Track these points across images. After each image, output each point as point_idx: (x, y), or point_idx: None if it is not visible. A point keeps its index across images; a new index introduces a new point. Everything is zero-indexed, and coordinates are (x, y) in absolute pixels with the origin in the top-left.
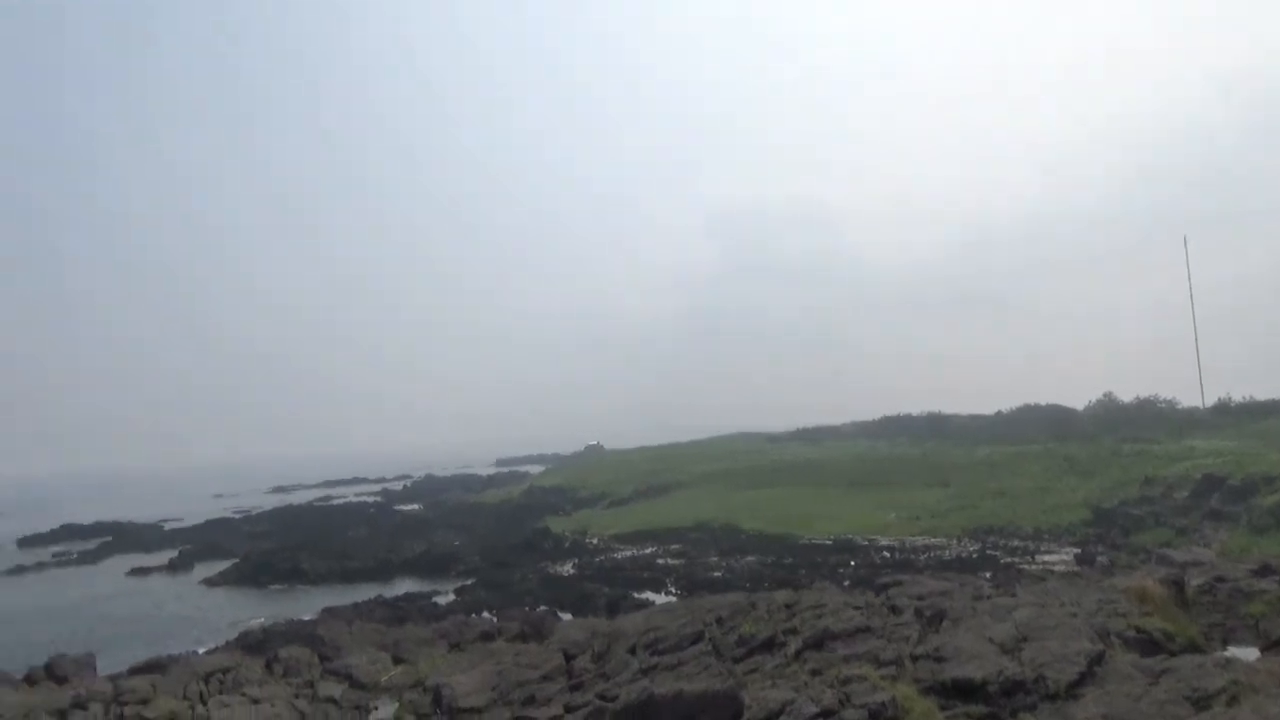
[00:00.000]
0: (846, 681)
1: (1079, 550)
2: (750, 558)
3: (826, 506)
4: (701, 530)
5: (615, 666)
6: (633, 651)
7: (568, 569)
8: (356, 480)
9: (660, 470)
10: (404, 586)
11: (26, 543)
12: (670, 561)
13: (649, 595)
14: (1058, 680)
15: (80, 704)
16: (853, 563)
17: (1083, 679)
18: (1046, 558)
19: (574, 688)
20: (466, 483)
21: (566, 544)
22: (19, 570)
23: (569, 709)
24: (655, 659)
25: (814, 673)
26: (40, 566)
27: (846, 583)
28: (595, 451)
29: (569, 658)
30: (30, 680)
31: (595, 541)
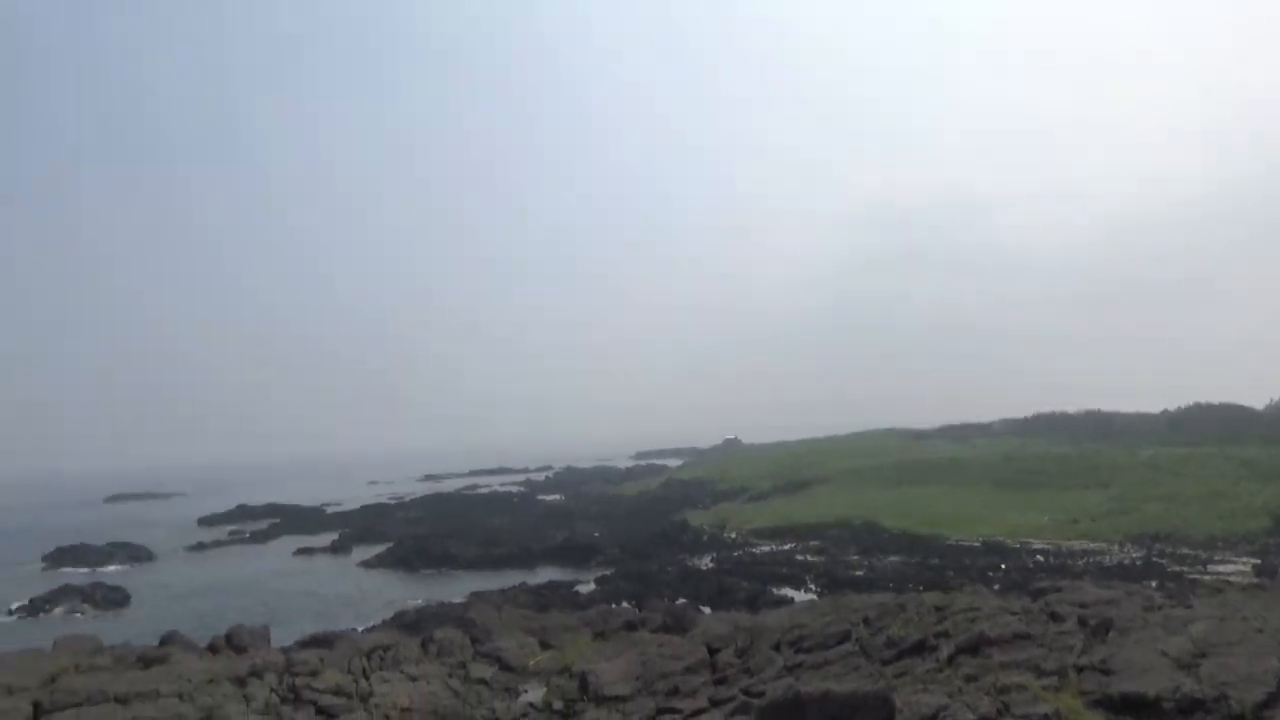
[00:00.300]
0: (1005, 690)
1: (1259, 560)
2: (893, 557)
3: (974, 507)
4: (842, 527)
5: (759, 662)
6: (777, 648)
7: (706, 562)
8: (501, 470)
9: (799, 465)
10: (546, 574)
11: (206, 521)
12: (810, 558)
13: (788, 591)
14: (1243, 700)
15: (257, 673)
16: (1003, 566)
17: (1271, 700)
18: (1221, 568)
19: (718, 681)
20: (606, 474)
21: (705, 537)
22: (200, 547)
23: (714, 703)
24: (800, 657)
25: (969, 679)
26: (218, 544)
27: (997, 586)
28: (733, 446)
29: (712, 651)
30: (213, 649)
31: (734, 536)
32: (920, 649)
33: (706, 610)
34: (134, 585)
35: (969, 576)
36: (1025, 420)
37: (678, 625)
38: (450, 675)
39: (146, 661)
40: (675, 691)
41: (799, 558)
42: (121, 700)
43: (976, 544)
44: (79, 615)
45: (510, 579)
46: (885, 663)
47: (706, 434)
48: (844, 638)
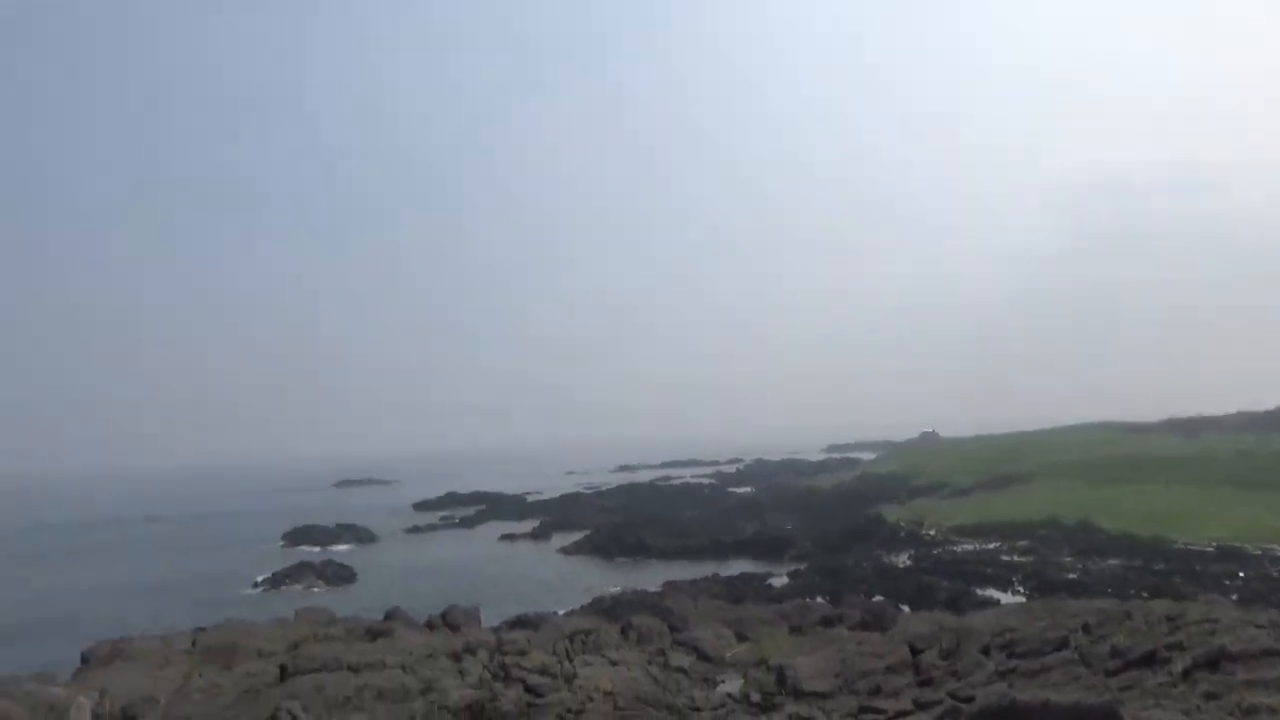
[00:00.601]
0: (1252, 711)
1: None
2: (1112, 561)
3: (1206, 507)
4: (1052, 527)
5: (967, 666)
6: (985, 652)
7: (903, 559)
8: (692, 463)
9: (1002, 460)
10: (738, 566)
11: (420, 507)
12: (1017, 558)
13: (993, 593)
14: None
15: (470, 650)
16: (1242, 574)
17: None
18: None
19: (922, 683)
20: (797, 467)
21: (901, 533)
22: (415, 530)
23: (919, 705)
24: (1013, 662)
25: (1208, 697)
26: (431, 528)
27: (1234, 596)
28: (930, 439)
29: (915, 651)
30: (430, 625)
31: (933, 533)
32: (1150, 661)
33: (905, 609)
34: (359, 564)
35: (1201, 584)
36: (1267, 414)
37: (876, 623)
38: (650, 662)
39: (373, 634)
40: (877, 691)
41: (1004, 558)
42: (353, 669)
43: (1209, 549)
44: (313, 590)
45: (702, 569)
46: (1109, 674)
47: (902, 427)
48: (1061, 644)
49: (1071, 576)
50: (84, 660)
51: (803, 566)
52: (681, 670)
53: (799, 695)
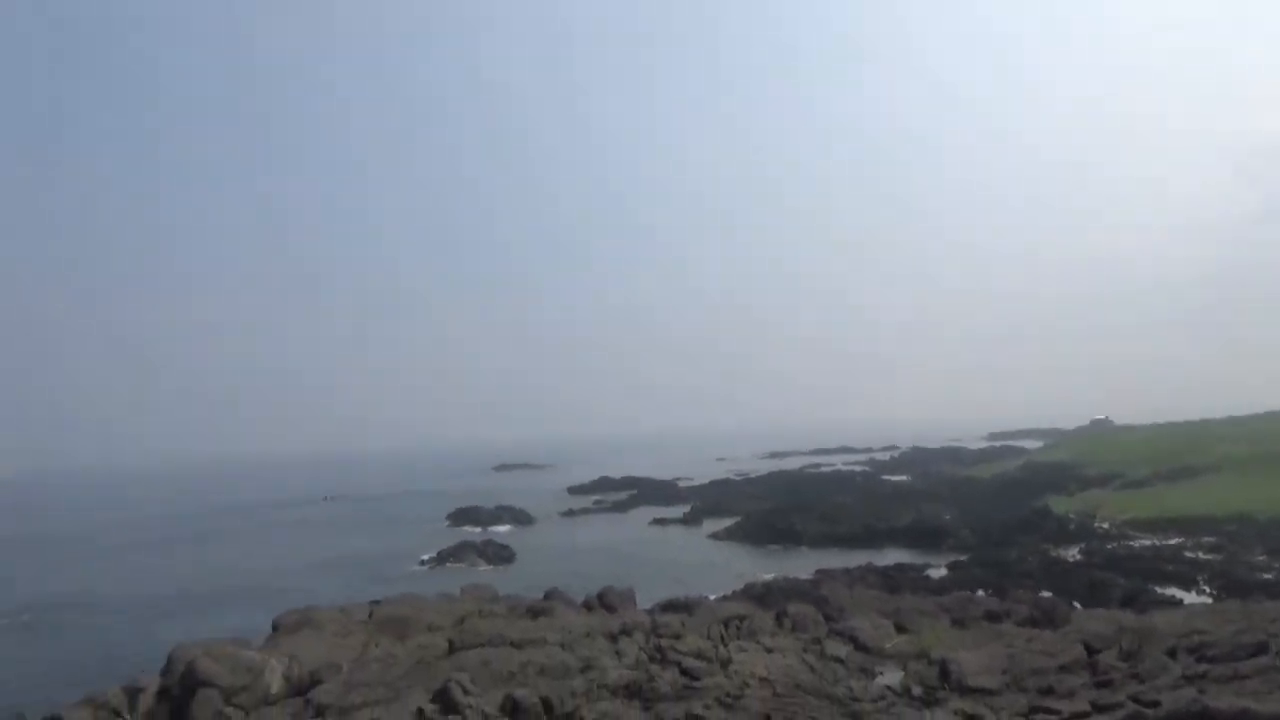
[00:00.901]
0: None
1: None
2: None
3: None
4: (1243, 522)
5: (1151, 668)
6: (1171, 654)
7: (1073, 553)
8: (844, 449)
9: (1184, 450)
10: (893, 556)
11: (574, 490)
12: (1202, 556)
13: (1175, 592)
14: None
15: (626, 631)
16: None
17: None
18: None
19: (1100, 684)
20: (955, 455)
21: (1071, 526)
22: (570, 513)
23: (1097, 708)
24: (1203, 667)
25: None
26: (585, 511)
27: None
28: (1102, 426)
29: (1091, 651)
30: (588, 606)
31: (1105, 526)
32: None
33: (1077, 606)
34: (517, 544)
35: None
36: None
37: (1046, 620)
38: (805, 650)
39: (534, 612)
40: (1049, 691)
41: (1188, 554)
42: (516, 645)
43: None
44: (475, 568)
45: (855, 558)
46: None
47: (1071, 414)
48: (1259, 650)
49: (1267, 577)
50: (274, 628)
51: (963, 558)
52: (838, 660)
53: (963, 691)
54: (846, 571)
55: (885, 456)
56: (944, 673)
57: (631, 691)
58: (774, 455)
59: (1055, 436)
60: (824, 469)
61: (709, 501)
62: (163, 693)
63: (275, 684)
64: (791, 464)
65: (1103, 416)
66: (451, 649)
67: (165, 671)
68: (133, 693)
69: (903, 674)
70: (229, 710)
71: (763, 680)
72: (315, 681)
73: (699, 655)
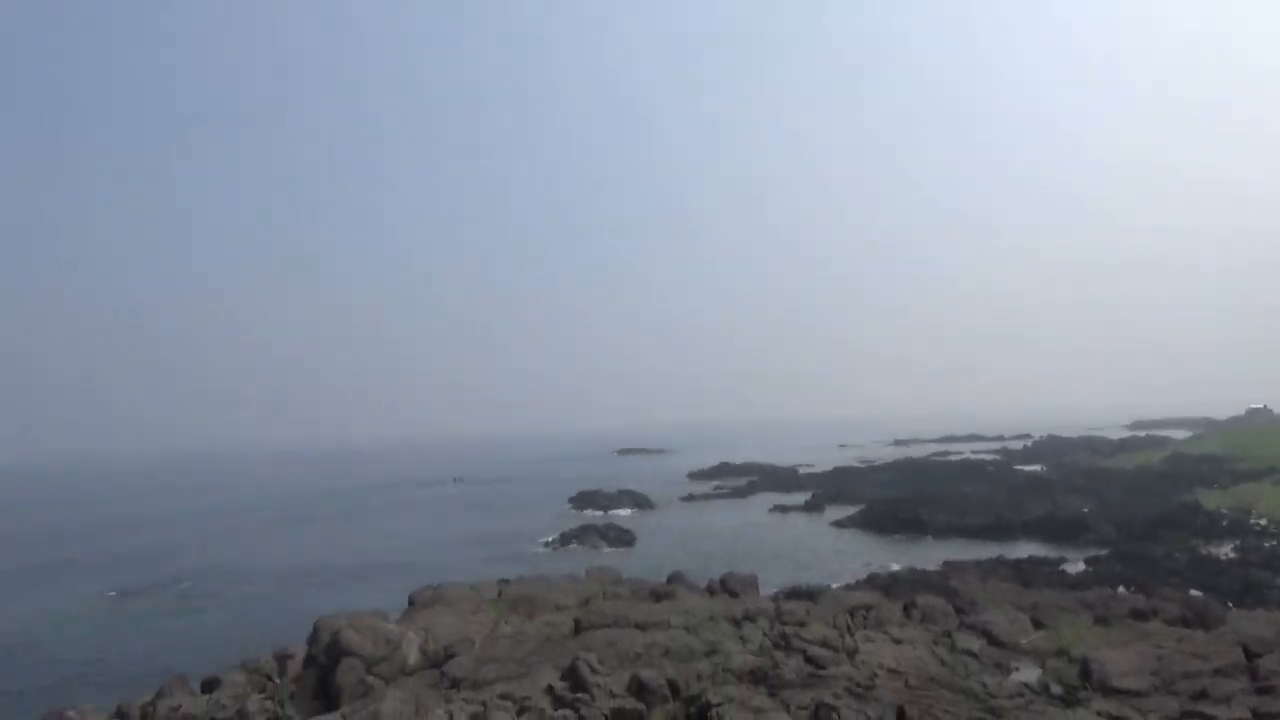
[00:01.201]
0: None
1: None
2: None
3: None
4: None
5: None
6: None
7: (1226, 551)
8: (974, 437)
9: None
10: (1025, 549)
11: (694, 476)
12: None
13: None
14: None
15: (750, 617)
16: None
17: None
18: None
19: (1260, 690)
20: (1094, 445)
21: (1224, 522)
22: (690, 499)
23: (1258, 715)
24: None
25: None
26: (705, 497)
27: None
28: (1260, 416)
29: (1250, 655)
30: (710, 590)
31: (1263, 522)
32: None
33: (1231, 607)
34: (638, 528)
35: None
36: None
37: (1198, 620)
38: (935, 643)
39: (657, 595)
40: (1203, 695)
41: None
42: (640, 627)
43: None
44: (596, 550)
45: (984, 550)
46: None
47: (1224, 403)
48: None
49: None
50: (410, 602)
51: (1102, 553)
52: (970, 654)
53: (1107, 691)
54: (977, 564)
55: (1018, 445)
56: (1085, 671)
57: (757, 677)
58: (899, 443)
59: (1205, 426)
60: (952, 457)
61: (831, 489)
62: (309, 660)
63: (412, 655)
64: (917, 451)
65: (1261, 405)
66: (578, 628)
67: (311, 640)
68: (282, 659)
69: (1040, 671)
70: (370, 679)
71: (892, 672)
72: (449, 655)
73: (824, 644)
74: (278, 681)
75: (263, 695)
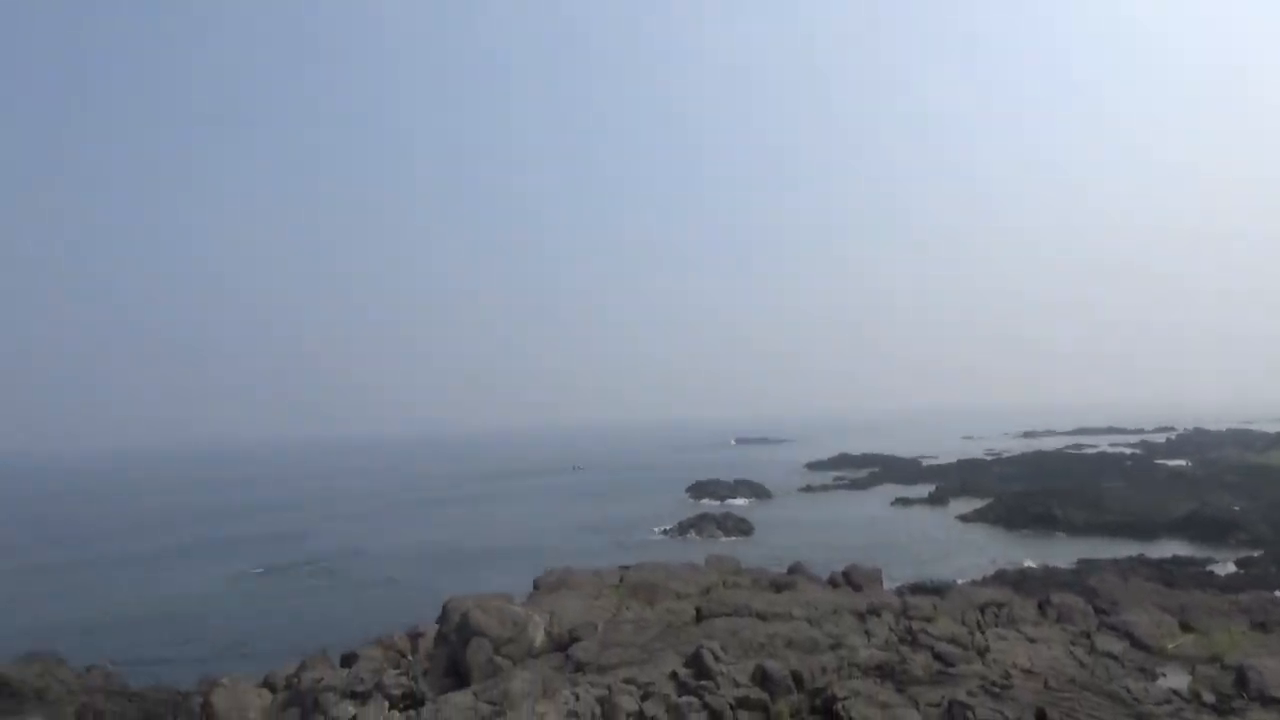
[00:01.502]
0: None
1: None
2: None
3: None
4: None
5: None
6: None
7: None
8: (1110, 430)
9: None
10: (1168, 548)
11: (813, 466)
12: None
13: None
14: None
15: (875, 611)
16: None
17: None
18: None
19: None
20: (1245, 439)
21: None
22: (808, 489)
23: None
24: None
25: None
26: (824, 488)
27: None
28: None
29: None
30: (833, 582)
31: None
32: None
33: None
34: (756, 517)
35: None
36: None
37: None
38: (1073, 643)
39: (777, 586)
40: None
41: None
42: (761, 616)
43: None
44: (714, 539)
45: (1122, 549)
46: None
47: None
48: None
49: None
50: (535, 586)
51: (1256, 554)
52: (1111, 656)
53: (1266, 701)
54: (1114, 562)
55: (1160, 439)
56: (1241, 680)
57: (884, 672)
58: (1028, 434)
59: None
60: (1087, 450)
61: (956, 481)
62: (440, 639)
63: (538, 638)
64: (1049, 444)
65: None
66: (699, 616)
67: (441, 620)
68: (414, 637)
69: (1190, 677)
70: (498, 659)
71: (1026, 672)
72: (574, 639)
73: (953, 640)
74: (410, 658)
75: (397, 671)
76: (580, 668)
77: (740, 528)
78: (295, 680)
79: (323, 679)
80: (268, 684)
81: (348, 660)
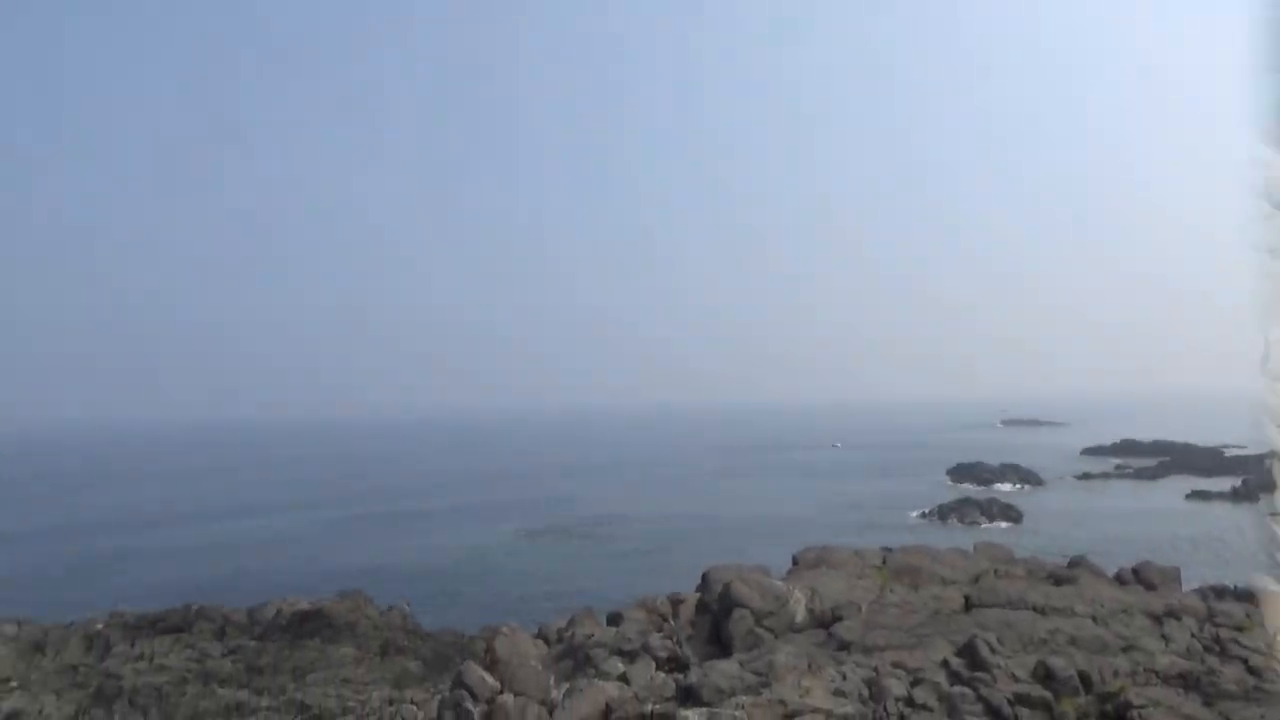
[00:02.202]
0: None
1: None
2: None
3: None
4: None
5: None
6: None
7: None
8: None
9: None
10: None
11: (1090, 452)
12: None
13: None
14: None
15: (1174, 614)
16: None
17: None
18: None
19: None
20: None
21: None
22: (1086, 477)
23: None
24: None
25: None
26: (1104, 476)
27: None
28: None
29: None
30: (1120, 579)
31: None
32: None
33: None
34: (1024, 504)
35: None
36: None
37: None
38: None
39: (1057, 579)
40: None
41: None
42: (1039, 610)
43: None
44: (976, 525)
45: None
46: None
47: None
48: None
49: None
50: (794, 562)
51: None
52: None
53: None
54: None
55: None
56: None
57: (1187, 682)
58: None
59: None
60: None
61: (1267, 475)
62: (701, 606)
63: (799, 614)
64: None
65: None
66: (968, 605)
67: (702, 588)
68: (676, 602)
69: None
70: (760, 631)
71: None
72: (836, 617)
73: (1271, 654)
74: (672, 623)
75: (661, 634)
76: (845, 646)
77: (1007, 514)
78: (568, 634)
79: (593, 635)
80: (541, 635)
81: (613, 619)
